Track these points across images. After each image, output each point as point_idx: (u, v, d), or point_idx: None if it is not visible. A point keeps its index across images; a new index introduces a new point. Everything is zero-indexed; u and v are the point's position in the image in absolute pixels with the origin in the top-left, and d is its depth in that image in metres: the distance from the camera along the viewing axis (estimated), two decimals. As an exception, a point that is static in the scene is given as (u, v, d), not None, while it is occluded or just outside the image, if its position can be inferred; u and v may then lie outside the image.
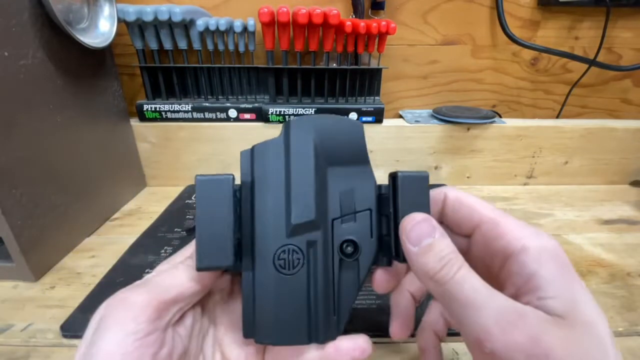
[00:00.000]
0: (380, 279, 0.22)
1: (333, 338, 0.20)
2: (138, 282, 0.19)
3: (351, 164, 0.21)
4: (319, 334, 0.20)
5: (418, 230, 0.18)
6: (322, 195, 0.20)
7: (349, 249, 0.21)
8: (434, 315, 0.23)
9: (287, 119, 0.52)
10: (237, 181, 0.21)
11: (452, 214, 0.20)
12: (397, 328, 0.22)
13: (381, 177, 0.21)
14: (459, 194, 0.20)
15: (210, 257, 0.19)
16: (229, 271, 0.22)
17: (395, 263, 0.21)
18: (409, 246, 0.18)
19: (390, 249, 0.20)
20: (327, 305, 0.20)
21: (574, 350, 0.14)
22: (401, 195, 0.19)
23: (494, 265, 0.18)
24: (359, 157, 0.21)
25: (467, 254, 0.20)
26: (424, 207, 0.19)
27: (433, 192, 0.20)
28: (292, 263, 0.20)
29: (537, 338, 0.14)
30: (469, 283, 0.16)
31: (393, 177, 0.20)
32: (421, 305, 0.24)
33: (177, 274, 0.19)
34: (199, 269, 0.19)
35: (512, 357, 0.14)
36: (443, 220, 0.21)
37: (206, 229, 0.19)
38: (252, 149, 0.21)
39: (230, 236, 0.19)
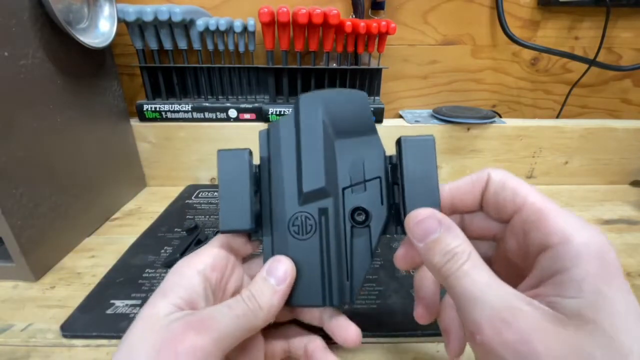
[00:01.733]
0: (401, 253, 0.21)
1: (346, 302, 0.22)
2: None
3: (359, 134, 0.22)
4: (333, 297, 0.22)
5: (423, 227, 0.18)
6: (332, 165, 0.22)
7: (360, 217, 0.22)
8: None
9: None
10: (257, 159, 0.23)
11: (493, 197, 0.19)
12: (421, 311, 0.22)
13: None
14: (504, 176, 0.19)
15: (232, 221, 0.21)
16: (252, 239, 0.24)
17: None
18: (416, 243, 0.18)
19: (399, 217, 0.21)
20: (340, 269, 0.22)
21: (572, 352, 0.13)
22: (405, 161, 0.20)
23: (529, 252, 0.17)
24: (366, 127, 0.22)
25: (501, 237, 0.19)
26: (431, 172, 0.20)
27: (476, 174, 0.20)
28: (306, 229, 0.22)
29: (528, 338, 0.13)
30: (471, 277, 0.16)
31: (398, 143, 0.21)
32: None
33: (208, 247, 0.23)
34: (222, 232, 0.22)
35: (501, 354, 0.14)
36: (483, 204, 0.20)
37: (227, 197, 0.21)
38: (268, 128, 0.23)
39: (248, 202, 0.21)
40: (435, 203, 0.19)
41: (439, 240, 0.17)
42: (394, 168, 0.21)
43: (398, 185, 0.21)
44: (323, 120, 0.22)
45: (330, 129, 0.22)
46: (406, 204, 0.20)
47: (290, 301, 0.22)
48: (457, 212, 0.21)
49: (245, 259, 0.25)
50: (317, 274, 0.22)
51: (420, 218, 0.18)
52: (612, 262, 0.15)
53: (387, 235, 0.22)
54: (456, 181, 0.20)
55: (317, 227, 0.22)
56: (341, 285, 0.22)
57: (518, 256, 0.18)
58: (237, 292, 0.23)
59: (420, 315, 0.22)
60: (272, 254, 0.22)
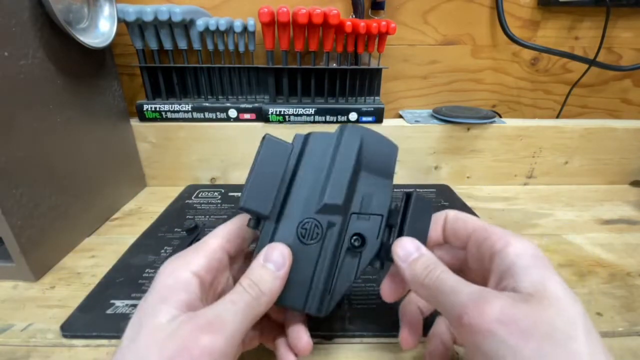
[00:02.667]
0: (386, 285, 0.25)
1: (321, 313, 0.23)
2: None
3: (379, 175, 0.25)
4: (312, 306, 0.23)
5: (405, 250, 0.22)
6: (351, 190, 0.24)
7: (357, 242, 0.24)
8: (441, 327, 0.25)
9: (286, 119, 0.52)
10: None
11: (450, 228, 0.24)
12: (406, 335, 0.24)
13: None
14: (457, 213, 0.25)
15: (254, 202, 0.22)
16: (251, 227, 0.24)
17: (394, 272, 0.25)
18: (400, 263, 0.22)
19: (387, 254, 0.24)
20: (326, 282, 0.23)
21: (539, 320, 0.16)
22: (412, 210, 0.24)
23: (485, 263, 0.21)
24: (387, 172, 0.26)
25: (464, 261, 0.24)
26: (426, 227, 0.24)
27: (437, 213, 0.25)
28: (312, 235, 0.23)
29: (505, 310, 0.17)
30: (449, 277, 0.20)
31: (408, 195, 0.25)
32: (428, 318, 0.26)
33: (203, 247, 0.22)
34: (241, 208, 0.22)
35: (486, 327, 0.17)
36: (444, 236, 0.25)
37: (258, 179, 0.23)
38: (309, 134, 0.25)
39: (275, 191, 0.23)
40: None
41: (419, 258, 0.22)
42: (394, 213, 0.25)
43: (392, 228, 0.24)
44: (359, 150, 0.24)
45: (360, 160, 0.25)
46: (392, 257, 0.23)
47: (278, 300, 0.22)
48: (428, 246, 0.24)
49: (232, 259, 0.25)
50: (307, 280, 0.23)
51: (404, 242, 0.23)
52: (543, 257, 0.20)
53: (368, 267, 0.24)
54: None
55: (322, 237, 0.23)
56: (322, 297, 0.23)
57: (477, 267, 0.22)
58: (223, 292, 0.23)
59: (405, 339, 0.25)
60: (270, 241, 0.23)
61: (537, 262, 0.19)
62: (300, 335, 0.23)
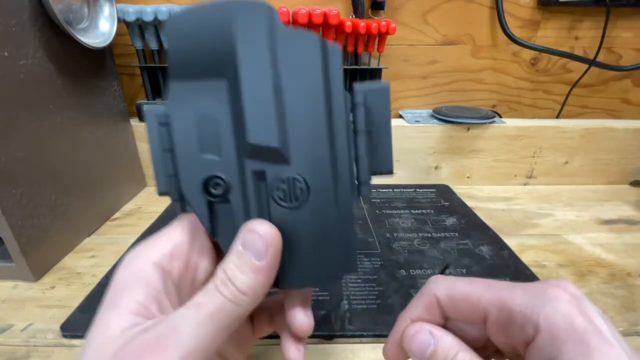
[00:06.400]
0: (392, 351, 0.20)
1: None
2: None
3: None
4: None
5: (417, 343, 0.18)
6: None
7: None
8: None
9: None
10: None
11: (454, 314, 0.18)
12: (391, 348, 0.20)
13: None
14: (448, 291, 0.18)
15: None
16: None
17: None
18: (415, 356, 0.18)
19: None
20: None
21: None
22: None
23: (519, 348, 0.16)
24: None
25: (488, 340, 0.18)
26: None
27: (423, 298, 0.19)
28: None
29: None
30: None
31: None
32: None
33: (166, 230, 0.19)
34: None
35: None
36: (449, 325, 0.19)
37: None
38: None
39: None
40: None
41: (437, 351, 0.17)
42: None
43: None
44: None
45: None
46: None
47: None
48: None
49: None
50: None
51: (411, 334, 0.18)
52: (582, 323, 0.14)
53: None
54: (408, 309, 0.19)
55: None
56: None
57: (509, 349, 0.17)
58: (208, 280, 0.18)
59: (389, 352, 0.20)
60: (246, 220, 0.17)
61: (580, 343, 0.14)
62: (296, 313, 0.19)
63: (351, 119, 0.18)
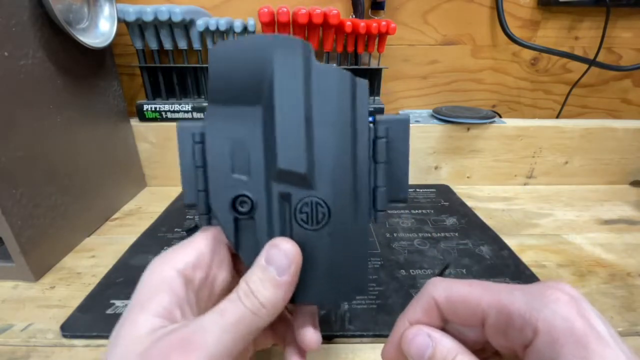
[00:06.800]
0: (391, 353, 0.20)
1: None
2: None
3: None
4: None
5: (416, 346, 0.18)
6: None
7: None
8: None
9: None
10: None
11: (453, 317, 0.18)
12: (390, 350, 0.20)
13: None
14: (446, 292, 0.18)
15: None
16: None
17: None
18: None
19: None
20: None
21: None
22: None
23: (518, 351, 0.16)
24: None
25: (487, 342, 0.18)
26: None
27: (422, 301, 0.19)
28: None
29: None
30: None
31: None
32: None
33: (190, 241, 0.20)
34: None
35: None
36: (447, 327, 0.19)
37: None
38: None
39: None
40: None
41: (435, 354, 0.17)
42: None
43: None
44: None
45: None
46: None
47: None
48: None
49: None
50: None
51: (410, 338, 0.18)
52: (581, 325, 0.14)
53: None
54: (406, 312, 0.19)
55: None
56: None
57: (508, 350, 0.17)
58: (226, 290, 0.20)
59: (387, 353, 0.20)
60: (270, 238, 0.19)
61: (578, 346, 0.14)
62: (306, 329, 0.21)
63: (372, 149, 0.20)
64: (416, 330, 0.18)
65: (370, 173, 0.20)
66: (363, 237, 0.20)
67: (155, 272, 0.18)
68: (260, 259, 0.18)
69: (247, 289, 0.17)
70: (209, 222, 0.20)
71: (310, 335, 0.20)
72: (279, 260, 0.18)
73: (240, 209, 0.19)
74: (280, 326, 0.23)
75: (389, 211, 0.48)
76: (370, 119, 0.20)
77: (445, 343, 0.17)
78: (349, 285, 0.20)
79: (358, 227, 0.19)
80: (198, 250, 0.19)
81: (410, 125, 0.56)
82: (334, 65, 0.19)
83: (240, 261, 0.22)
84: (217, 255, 0.20)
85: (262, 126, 0.18)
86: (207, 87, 0.19)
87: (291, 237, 0.19)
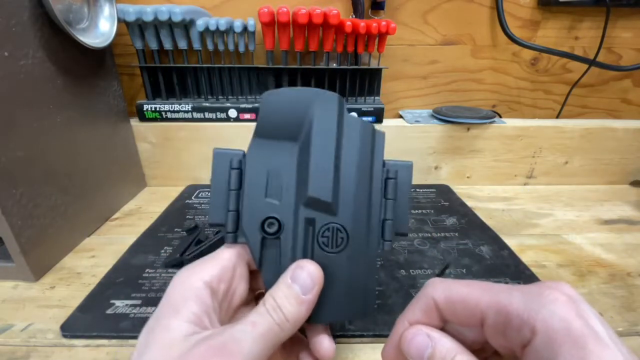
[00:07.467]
0: (391, 354, 0.20)
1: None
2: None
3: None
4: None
5: (415, 346, 0.18)
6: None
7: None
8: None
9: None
10: None
11: (452, 317, 0.18)
12: (389, 350, 0.20)
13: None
14: (446, 293, 0.18)
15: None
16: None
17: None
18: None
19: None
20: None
21: None
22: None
23: (517, 351, 0.16)
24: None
25: (486, 342, 0.18)
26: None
27: (421, 302, 0.19)
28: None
29: None
30: None
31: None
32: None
33: (216, 256, 0.21)
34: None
35: None
36: (447, 327, 0.19)
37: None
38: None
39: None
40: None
41: (435, 354, 0.17)
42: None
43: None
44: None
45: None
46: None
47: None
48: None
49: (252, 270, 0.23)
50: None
51: (409, 338, 0.18)
52: (579, 326, 0.14)
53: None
54: (406, 312, 0.20)
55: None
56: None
57: (507, 351, 0.17)
58: (241, 304, 0.22)
59: (387, 356, 0.20)
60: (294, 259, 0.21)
61: (575, 347, 0.14)
62: (322, 339, 0.22)
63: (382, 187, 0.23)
64: (415, 330, 0.18)
65: (381, 207, 0.22)
66: (373, 262, 0.22)
67: (185, 282, 0.19)
68: (287, 278, 0.20)
69: (275, 304, 0.19)
70: (235, 240, 0.21)
71: (327, 344, 0.21)
72: (303, 280, 0.19)
73: (268, 229, 0.21)
74: (289, 345, 0.23)
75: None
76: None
77: (445, 343, 0.17)
78: (360, 305, 0.22)
79: (369, 253, 0.22)
80: (223, 264, 0.21)
81: (411, 125, 0.56)
82: (361, 118, 0.23)
83: (253, 278, 0.23)
84: (239, 270, 0.22)
85: (297, 160, 0.21)
86: (256, 124, 0.22)
87: (312, 258, 0.21)
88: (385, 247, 0.23)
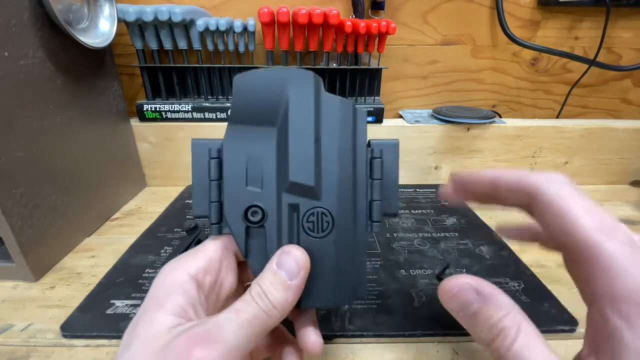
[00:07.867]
0: (450, 189, 0.22)
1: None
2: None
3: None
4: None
5: (458, 301, 0.17)
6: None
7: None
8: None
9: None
10: None
11: (541, 220, 0.17)
12: (451, 189, 0.22)
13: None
14: (552, 197, 0.17)
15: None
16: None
17: None
18: (454, 314, 0.18)
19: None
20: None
21: None
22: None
23: (588, 288, 0.15)
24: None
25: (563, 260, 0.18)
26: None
27: (525, 180, 0.18)
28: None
29: None
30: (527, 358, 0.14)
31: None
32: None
33: (201, 248, 0.21)
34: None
35: None
36: (532, 222, 0.19)
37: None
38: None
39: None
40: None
41: (479, 314, 0.16)
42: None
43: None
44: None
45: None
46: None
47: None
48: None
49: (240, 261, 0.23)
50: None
51: (455, 291, 0.17)
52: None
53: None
54: (503, 172, 0.20)
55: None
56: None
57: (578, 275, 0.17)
58: (230, 296, 0.22)
59: (448, 191, 0.22)
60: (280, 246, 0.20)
61: None
62: (309, 333, 0.21)
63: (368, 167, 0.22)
64: (463, 281, 0.17)
65: (367, 188, 0.22)
66: (362, 245, 0.22)
67: (169, 276, 0.19)
68: (272, 264, 0.19)
69: (260, 290, 0.18)
70: (220, 231, 0.21)
71: (314, 338, 0.21)
72: (289, 265, 0.19)
73: (252, 218, 0.20)
74: (275, 337, 0.23)
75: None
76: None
77: (499, 301, 0.16)
78: (350, 290, 0.22)
79: (357, 236, 0.22)
80: (209, 256, 0.20)
81: (411, 125, 0.56)
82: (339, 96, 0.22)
83: (243, 270, 0.23)
84: (226, 262, 0.21)
85: (276, 145, 0.21)
86: (230, 110, 0.21)
87: (298, 244, 0.20)
88: (374, 229, 0.22)
